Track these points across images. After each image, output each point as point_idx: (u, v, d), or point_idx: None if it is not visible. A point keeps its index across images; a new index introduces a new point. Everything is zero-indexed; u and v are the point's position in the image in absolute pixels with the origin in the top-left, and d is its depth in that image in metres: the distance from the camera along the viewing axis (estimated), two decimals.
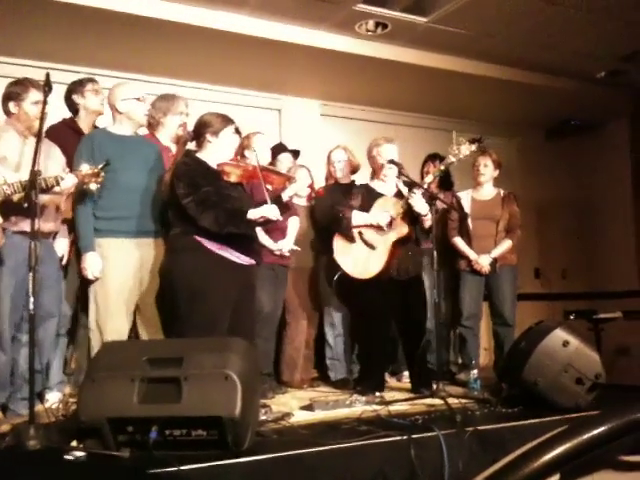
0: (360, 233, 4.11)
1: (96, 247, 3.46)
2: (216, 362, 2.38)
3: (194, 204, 3.17)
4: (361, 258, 4.09)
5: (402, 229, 4.07)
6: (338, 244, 4.17)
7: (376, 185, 4.27)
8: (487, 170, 4.64)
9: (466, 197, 4.68)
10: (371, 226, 4.09)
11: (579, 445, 0.63)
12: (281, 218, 3.41)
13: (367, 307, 4.10)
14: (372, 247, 4.08)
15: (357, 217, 4.11)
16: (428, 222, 4.04)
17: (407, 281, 4.09)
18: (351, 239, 4.11)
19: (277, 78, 5.77)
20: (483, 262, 4.49)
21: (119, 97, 3.63)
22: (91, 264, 3.41)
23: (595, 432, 0.64)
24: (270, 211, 3.31)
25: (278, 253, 4.20)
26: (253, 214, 3.28)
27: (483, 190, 4.70)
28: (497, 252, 4.52)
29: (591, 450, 0.64)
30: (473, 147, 4.04)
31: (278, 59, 5.30)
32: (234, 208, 3.29)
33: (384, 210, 4.08)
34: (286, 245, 4.23)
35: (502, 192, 4.72)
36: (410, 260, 4.11)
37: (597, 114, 6.93)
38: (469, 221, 4.58)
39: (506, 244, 4.56)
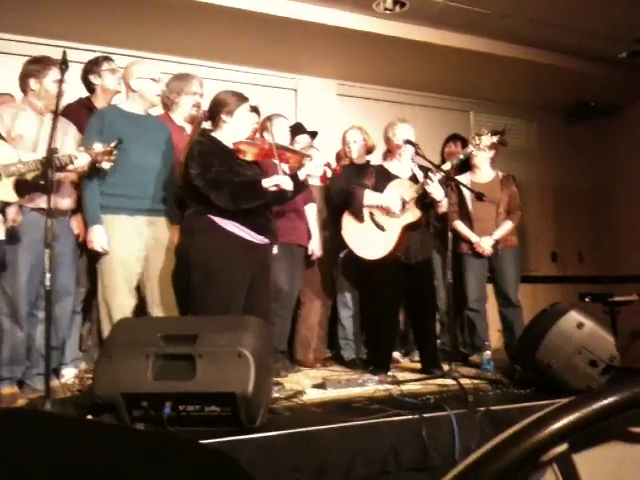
0: (371, 214, 4.10)
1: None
2: (230, 340, 2.40)
3: (206, 183, 3.17)
4: (369, 238, 4.07)
5: (414, 213, 4.05)
6: (347, 222, 4.17)
7: (390, 166, 4.23)
8: (480, 151, 4.46)
9: (465, 180, 4.55)
10: (381, 208, 4.08)
11: (588, 415, 0.63)
12: (292, 188, 3.37)
13: (374, 288, 4.11)
14: (382, 229, 4.06)
15: (369, 196, 4.08)
16: (443, 208, 4.03)
17: (416, 265, 4.06)
18: (360, 218, 4.11)
19: (293, 57, 5.73)
20: (485, 244, 4.47)
21: (135, 75, 3.61)
22: (97, 237, 3.37)
23: (605, 402, 0.64)
24: (283, 180, 3.30)
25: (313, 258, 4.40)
26: (267, 182, 3.28)
27: (481, 173, 4.65)
28: (498, 234, 4.50)
29: (600, 421, 0.64)
30: (494, 139, 4.12)
31: (294, 38, 5.26)
32: (245, 180, 3.28)
33: (398, 193, 4.06)
34: (315, 246, 4.38)
35: (500, 174, 4.69)
36: (420, 244, 4.09)
37: (616, 96, 6.81)
38: (469, 204, 4.54)
39: (507, 225, 4.54)
